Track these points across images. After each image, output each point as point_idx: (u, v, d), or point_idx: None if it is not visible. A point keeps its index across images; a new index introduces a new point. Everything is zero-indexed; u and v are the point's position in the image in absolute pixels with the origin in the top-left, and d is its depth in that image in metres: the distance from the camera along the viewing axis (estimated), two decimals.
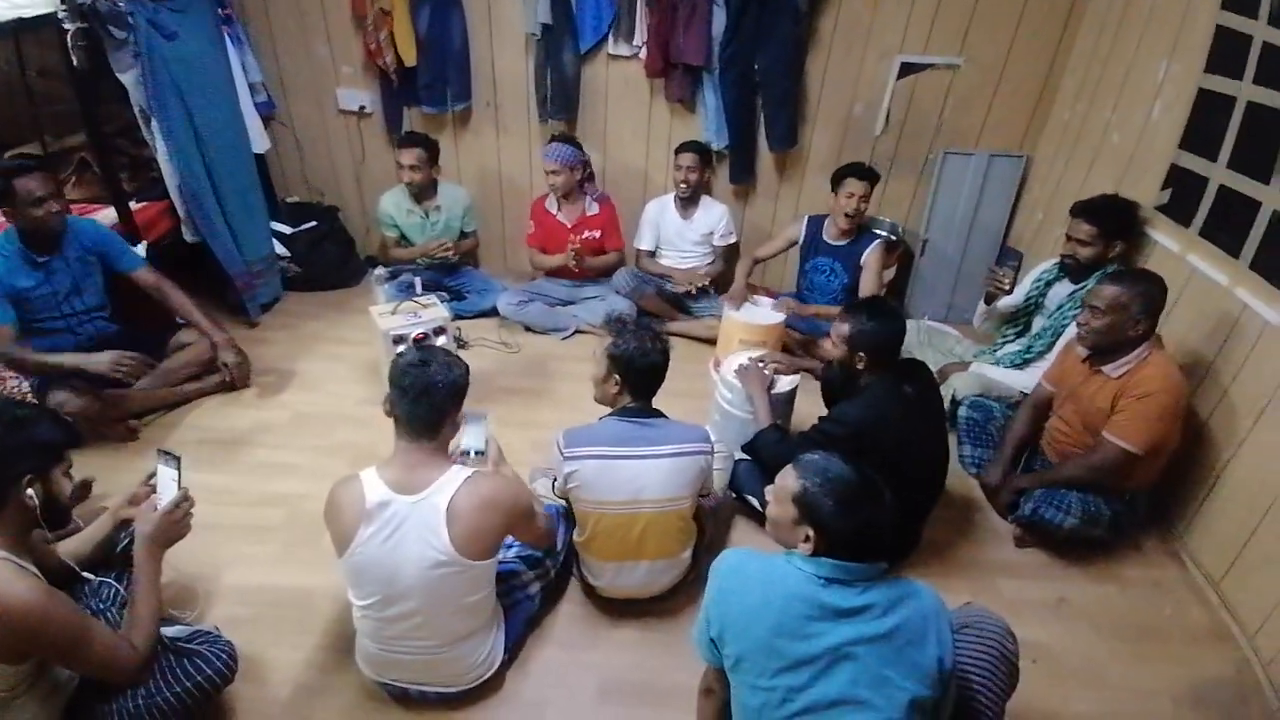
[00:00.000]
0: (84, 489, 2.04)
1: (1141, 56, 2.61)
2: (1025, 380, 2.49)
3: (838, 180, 2.87)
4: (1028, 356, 2.56)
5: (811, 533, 1.17)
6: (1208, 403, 2.15)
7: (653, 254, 3.40)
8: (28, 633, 1.25)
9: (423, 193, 3.15)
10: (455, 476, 1.48)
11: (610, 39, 3.17)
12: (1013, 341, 2.70)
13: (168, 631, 1.52)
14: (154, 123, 2.63)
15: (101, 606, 1.56)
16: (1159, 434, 1.96)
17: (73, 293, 2.37)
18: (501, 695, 1.70)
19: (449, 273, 3.36)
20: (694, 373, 2.91)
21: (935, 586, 1.22)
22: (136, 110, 2.64)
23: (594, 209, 3.25)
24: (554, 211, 3.23)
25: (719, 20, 3.04)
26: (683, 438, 1.78)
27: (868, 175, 2.84)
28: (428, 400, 1.46)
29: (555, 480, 1.83)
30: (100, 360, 2.27)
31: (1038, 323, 2.63)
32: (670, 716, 1.64)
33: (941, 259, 3.44)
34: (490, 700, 1.68)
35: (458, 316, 3.11)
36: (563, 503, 1.89)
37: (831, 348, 2.03)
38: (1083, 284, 2.43)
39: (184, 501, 1.55)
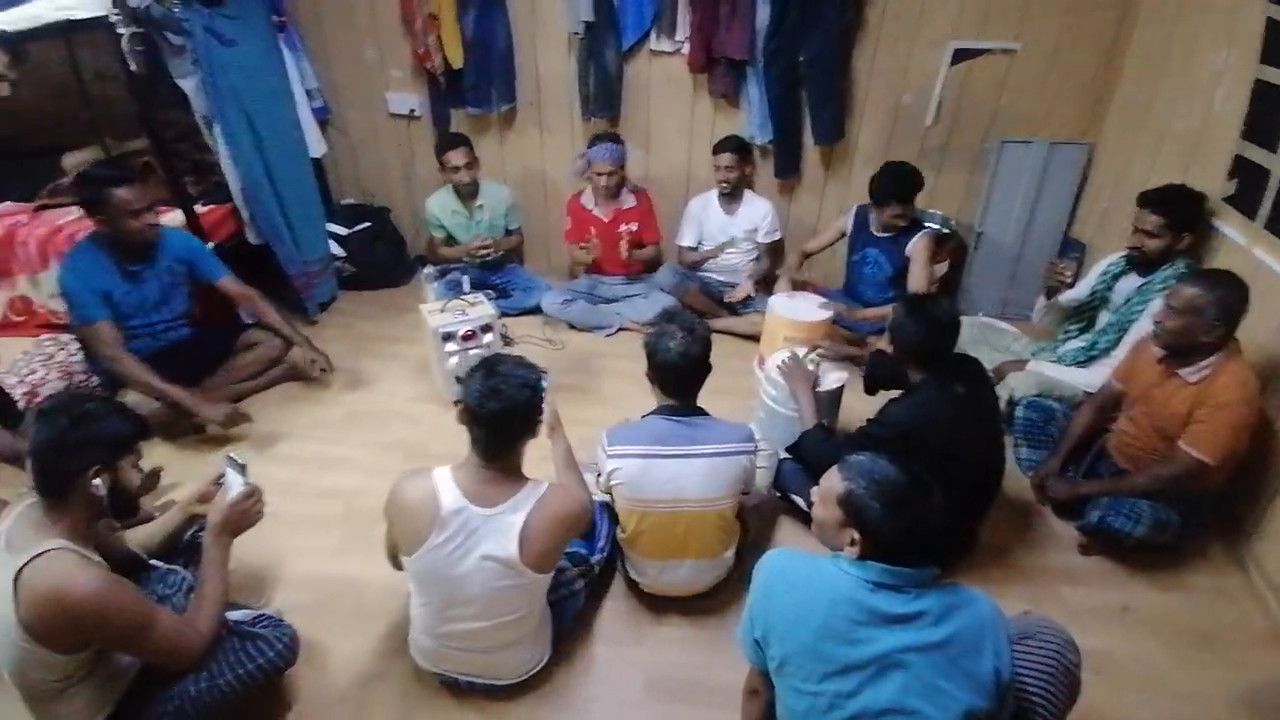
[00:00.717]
0: (152, 478, 2.14)
1: (1200, 44, 2.48)
2: (1089, 379, 2.39)
3: (874, 195, 2.82)
4: (1092, 354, 2.45)
5: (857, 535, 1.15)
6: (1275, 403, 2.03)
7: (694, 250, 3.38)
8: (90, 621, 1.28)
9: (470, 192, 3.21)
10: (531, 493, 1.50)
11: (652, 35, 3.16)
12: (1075, 338, 2.60)
13: (232, 615, 1.57)
14: (215, 128, 2.74)
15: (168, 593, 1.62)
16: (1236, 445, 1.87)
17: (161, 303, 2.44)
18: (549, 690, 1.72)
19: (494, 270, 3.42)
20: (738, 369, 2.89)
21: (994, 593, 1.19)
22: (198, 116, 2.74)
23: (630, 201, 3.25)
24: (590, 207, 3.25)
25: (763, 13, 2.99)
26: (724, 437, 1.78)
27: (904, 198, 2.77)
28: (505, 429, 1.47)
29: (599, 476, 1.85)
30: (215, 414, 2.36)
31: (1103, 318, 2.52)
32: (715, 715, 1.64)
33: (997, 253, 3.32)
34: (537, 694, 1.71)
35: (503, 314, 3.16)
36: (607, 498, 1.90)
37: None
38: (1149, 277, 2.32)
39: (253, 494, 1.59)
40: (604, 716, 1.69)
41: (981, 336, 2.85)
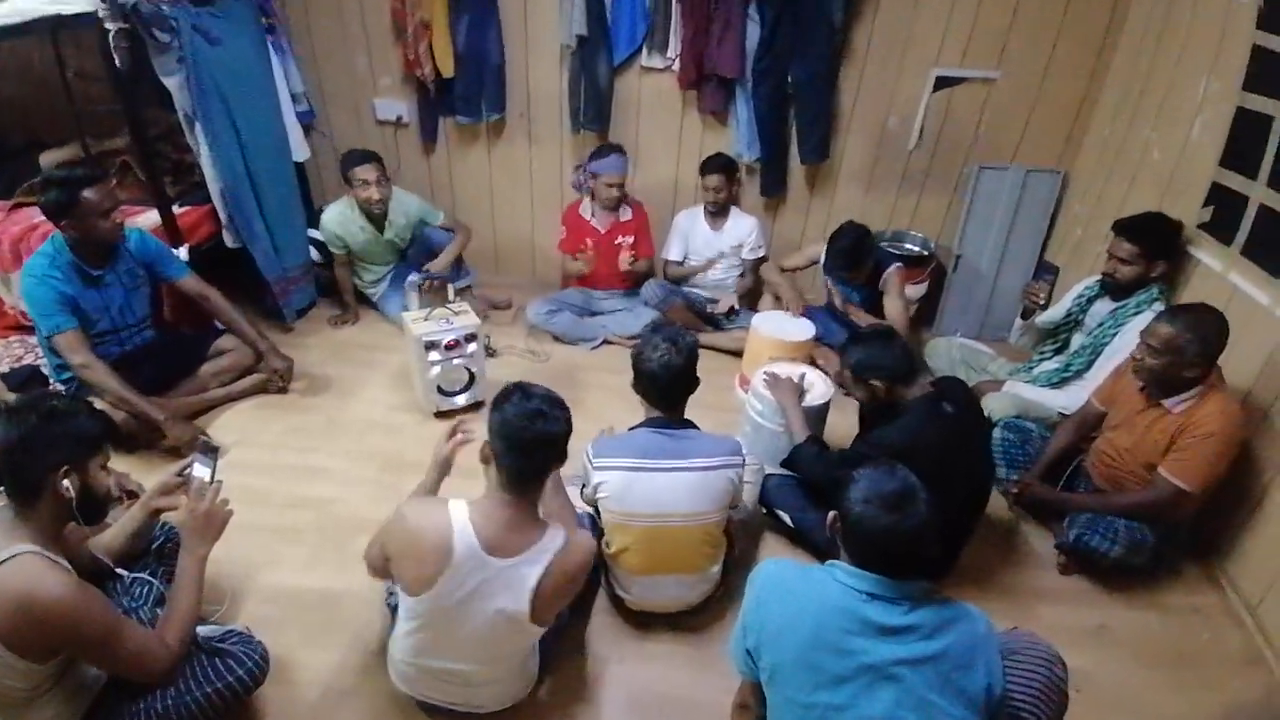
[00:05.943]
0: (129, 495, 2.03)
1: (1182, 73, 2.56)
2: (1063, 400, 2.44)
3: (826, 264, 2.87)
4: (1065, 375, 2.50)
5: (834, 515, 1.21)
6: (1249, 425, 2.07)
7: (680, 265, 3.39)
8: (58, 629, 1.24)
9: (380, 212, 3.06)
10: (549, 545, 1.42)
11: (644, 51, 3.18)
12: (1050, 359, 2.65)
13: (201, 630, 1.52)
14: (198, 127, 2.67)
15: (134, 604, 1.57)
16: (1216, 474, 1.91)
17: (125, 306, 2.38)
18: (529, 711, 1.67)
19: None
20: (721, 385, 2.89)
21: None
22: (180, 115, 2.67)
23: (627, 214, 3.26)
24: (588, 218, 3.24)
25: (753, 33, 3.03)
26: (712, 451, 1.77)
27: (856, 265, 2.80)
28: (541, 454, 1.40)
29: (583, 488, 1.82)
30: (182, 435, 2.31)
31: (1076, 340, 2.58)
32: None
33: (975, 275, 3.39)
34: (519, 712, 1.65)
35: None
36: (590, 511, 1.88)
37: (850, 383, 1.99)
38: (1123, 302, 2.39)
39: (210, 489, 1.53)
40: None
41: (960, 357, 2.89)
